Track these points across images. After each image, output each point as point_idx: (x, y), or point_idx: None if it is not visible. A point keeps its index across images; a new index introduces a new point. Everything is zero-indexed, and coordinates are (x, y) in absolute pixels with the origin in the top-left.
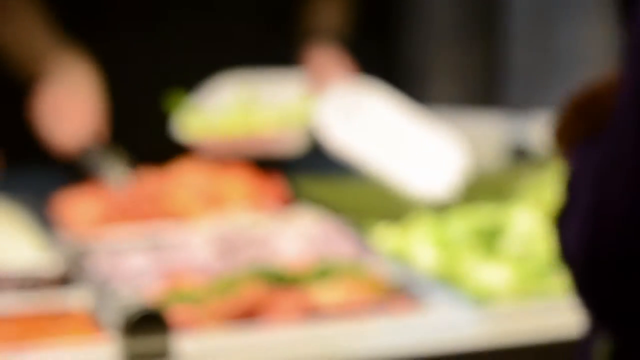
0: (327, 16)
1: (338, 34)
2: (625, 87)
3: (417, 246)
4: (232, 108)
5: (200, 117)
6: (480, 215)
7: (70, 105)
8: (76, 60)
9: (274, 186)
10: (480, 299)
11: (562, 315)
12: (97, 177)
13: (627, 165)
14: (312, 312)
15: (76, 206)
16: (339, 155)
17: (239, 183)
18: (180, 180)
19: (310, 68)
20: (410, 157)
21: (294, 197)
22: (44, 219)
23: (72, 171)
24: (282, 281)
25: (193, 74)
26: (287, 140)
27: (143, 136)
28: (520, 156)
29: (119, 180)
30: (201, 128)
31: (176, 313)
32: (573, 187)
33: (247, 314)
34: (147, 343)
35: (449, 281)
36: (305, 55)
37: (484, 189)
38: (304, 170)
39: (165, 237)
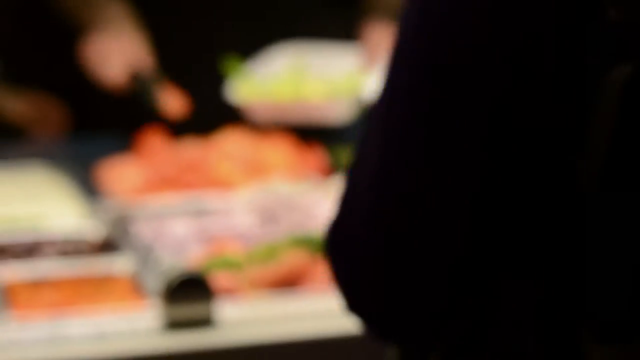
0: None
1: (395, 11)
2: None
3: None
4: (284, 75)
5: (253, 82)
6: None
7: (117, 47)
8: (124, 13)
9: (316, 155)
10: None
11: None
12: (145, 104)
13: (370, 160)
14: None
15: (121, 174)
16: None
17: (281, 152)
18: (224, 148)
19: (365, 44)
20: None
21: (336, 166)
22: (89, 186)
23: (118, 140)
24: (322, 249)
25: (250, 42)
26: (334, 109)
27: (197, 100)
28: None
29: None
30: (252, 93)
31: (217, 280)
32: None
33: (288, 282)
34: (189, 309)
35: None
36: (362, 31)
37: None
38: (346, 140)
39: (207, 204)
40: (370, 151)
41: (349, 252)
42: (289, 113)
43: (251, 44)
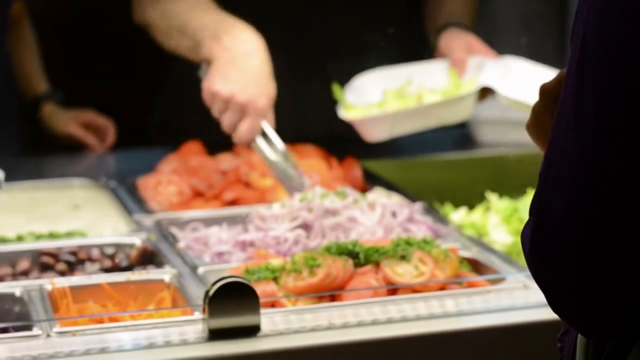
0: (453, 7)
1: (467, 20)
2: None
3: (493, 225)
4: (392, 93)
5: (360, 105)
6: None
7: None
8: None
9: (352, 168)
10: None
11: None
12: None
13: (559, 171)
14: (391, 289)
15: (163, 187)
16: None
17: (319, 165)
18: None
19: (449, 54)
20: None
21: (373, 178)
22: (133, 199)
23: (160, 155)
24: (360, 258)
25: (344, 70)
26: (460, 106)
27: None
28: None
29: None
30: (364, 112)
31: (259, 288)
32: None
33: (328, 290)
34: (231, 317)
35: (522, 258)
36: (442, 44)
37: None
38: (382, 154)
39: (247, 214)
40: (563, 158)
41: (550, 255)
42: (409, 120)
43: (344, 71)
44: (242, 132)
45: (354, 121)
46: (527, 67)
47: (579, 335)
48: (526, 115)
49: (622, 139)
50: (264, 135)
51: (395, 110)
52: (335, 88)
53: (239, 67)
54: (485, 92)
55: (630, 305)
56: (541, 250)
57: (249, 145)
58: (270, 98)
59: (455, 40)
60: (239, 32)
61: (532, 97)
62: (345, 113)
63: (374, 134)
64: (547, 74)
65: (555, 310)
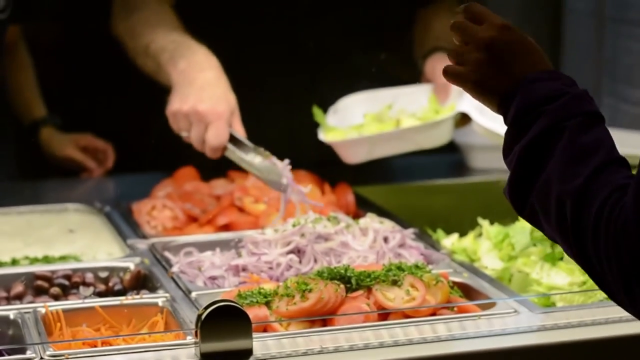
0: (440, 31)
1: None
2: None
3: (484, 250)
4: (371, 117)
5: (340, 128)
6: None
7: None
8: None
9: (344, 194)
10: (544, 302)
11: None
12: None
13: None
14: (382, 314)
15: (156, 211)
16: (483, 135)
17: (313, 190)
18: (255, 186)
19: (433, 79)
20: None
21: (366, 204)
22: (126, 223)
23: (154, 180)
24: (352, 283)
25: (338, 95)
26: (436, 131)
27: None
28: None
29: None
30: (344, 134)
31: (251, 312)
32: None
33: (320, 315)
34: (223, 341)
35: (513, 284)
36: (428, 69)
37: None
38: (375, 180)
39: (240, 239)
40: None
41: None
42: (387, 143)
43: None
44: (210, 139)
45: (332, 143)
46: None
47: None
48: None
49: None
50: (233, 140)
51: (371, 134)
52: (316, 111)
53: (195, 84)
54: (465, 119)
55: None
56: None
57: (223, 153)
58: (230, 104)
59: (440, 65)
60: (192, 55)
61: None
62: (325, 135)
63: (352, 157)
64: None
65: None
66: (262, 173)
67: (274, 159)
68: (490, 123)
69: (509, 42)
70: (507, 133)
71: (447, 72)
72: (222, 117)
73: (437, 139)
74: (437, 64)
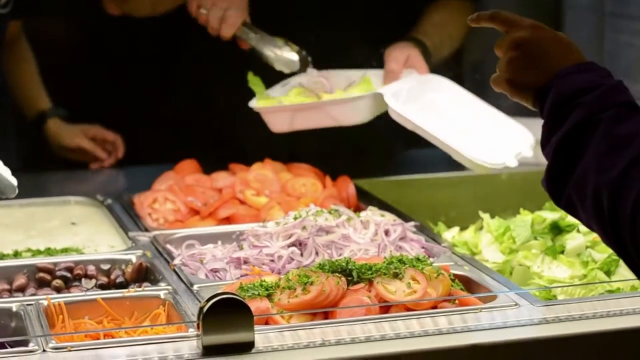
0: (426, 27)
1: (432, 42)
2: None
3: (485, 244)
4: (300, 89)
5: (272, 96)
6: (544, 215)
7: None
8: None
9: (345, 187)
10: (545, 294)
11: (620, 309)
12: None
13: None
14: (384, 307)
15: (158, 204)
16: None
17: (312, 183)
18: (257, 179)
19: (386, 63)
20: (472, 130)
21: (367, 197)
22: (128, 215)
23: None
24: (353, 276)
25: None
26: (350, 107)
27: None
28: None
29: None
30: (271, 102)
31: (253, 305)
32: None
33: (322, 307)
34: (225, 333)
35: (514, 277)
36: (386, 54)
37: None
38: (374, 172)
39: (241, 232)
40: None
41: None
42: (306, 115)
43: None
44: (229, 15)
45: (257, 109)
46: (447, 87)
47: None
48: None
49: None
50: (245, 24)
51: (290, 103)
52: (251, 78)
53: None
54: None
55: None
56: None
57: (236, 36)
58: None
59: (396, 52)
60: None
61: (424, 118)
62: (255, 103)
63: (274, 125)
64: (466, 97)
65: None
66: (274, 52)
67: (285, 41)
68: (403, 108)
69: (539, 39)
70: (543, 126)
71: (491, 81)
72: (238, 4)
73: (352, 116)
74: (395, 50)
